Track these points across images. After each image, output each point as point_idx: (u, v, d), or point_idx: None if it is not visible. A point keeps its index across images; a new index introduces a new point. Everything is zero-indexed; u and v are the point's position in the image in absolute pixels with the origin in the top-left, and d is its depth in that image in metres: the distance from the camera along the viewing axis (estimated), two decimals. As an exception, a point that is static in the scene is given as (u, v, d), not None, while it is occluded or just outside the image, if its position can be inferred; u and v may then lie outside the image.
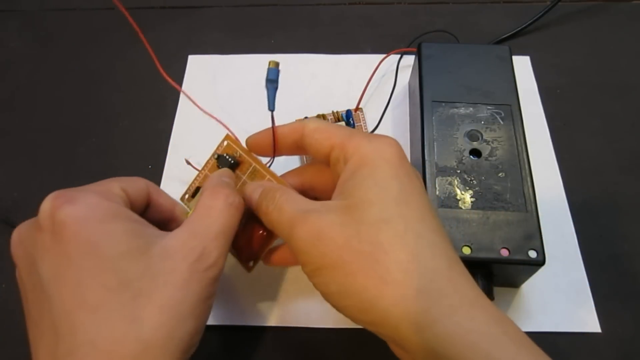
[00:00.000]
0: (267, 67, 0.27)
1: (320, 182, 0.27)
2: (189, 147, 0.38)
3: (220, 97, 0.41)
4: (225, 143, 0.30)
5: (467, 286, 0.20)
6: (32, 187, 0.37)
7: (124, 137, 0.40)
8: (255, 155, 0.29)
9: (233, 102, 0.40)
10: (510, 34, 0.44)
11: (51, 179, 0.38)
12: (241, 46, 0.44)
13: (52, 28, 0.47)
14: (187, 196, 0.32)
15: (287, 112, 0.40)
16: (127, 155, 0.39)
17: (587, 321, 0.31)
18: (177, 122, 0.40)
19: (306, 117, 0.38)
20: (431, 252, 0.20)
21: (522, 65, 0.42)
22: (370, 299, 0.20)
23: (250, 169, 0.29)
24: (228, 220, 0.23)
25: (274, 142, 0.27)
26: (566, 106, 0.40)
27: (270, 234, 0.27)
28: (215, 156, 0.30)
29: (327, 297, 0.22)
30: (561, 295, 0.32)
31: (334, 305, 0.22)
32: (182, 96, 0.41)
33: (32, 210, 0.36)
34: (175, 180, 0.37)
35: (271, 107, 0.26)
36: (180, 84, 0.42)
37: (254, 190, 0.25)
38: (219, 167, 0.30)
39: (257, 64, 0.43)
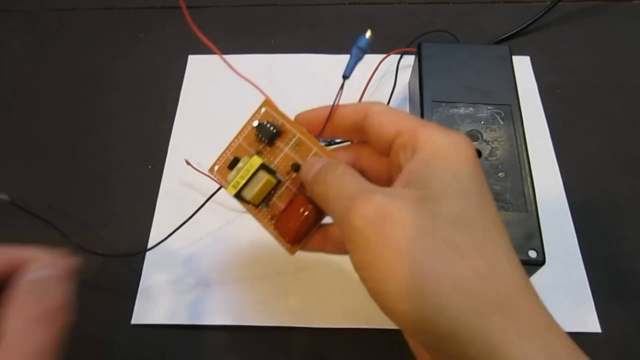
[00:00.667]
0: (362, 33, 0.25)
1: (373, 166, 0.24)
2: (189, 147, 0.38)
3: (221, 97, 0.41)
4: (264, 110, 0.26)
5: (543, 308, 0.18)
6: (32, 187, 0.37)
7: (124, 137, 0.40)
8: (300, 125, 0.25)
9: (233, 102, 0.40)
10: (510, 34, 0.44)
11: (51, 179, 0.38)
12: (241, 46, 0.44)
13: (52, 28, 0.47)
14: (217, 167, 0.27)
15: (287, 113, 0.40)
16: (127, 155, 0.39)
17: (587, 321, 0.31)
18: (177, 122, 0.40)
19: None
20: (510, 266, 0.18)
21: (522, 65, 0.42)
22: (438, 307, 0.17)
23: (295, 139, 0.25)
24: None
25: (329, 117, 0.24)
26: (566, 106, 0.40)
27: (320, 214, 0.24)
28: (256, 124, 0.26)
29: (378, 295, 0.18)
30: (561, 295, 0.32)
31: (384, 307, 0.18)
32: (182, 96, 0.41)
33: (32, 211, 0.36)
34: (175, 180, 0.37)
35: (347, 73, 0.24)
36: (180, 84, 0.42)
37: (315, 162, 0.23)
38: (257, 136, 0.26)
39: (257, 64, 0.43)
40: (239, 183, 0.24)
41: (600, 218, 0.35)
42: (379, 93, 0.41)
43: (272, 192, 0.25)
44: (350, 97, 0.40)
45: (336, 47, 0.44)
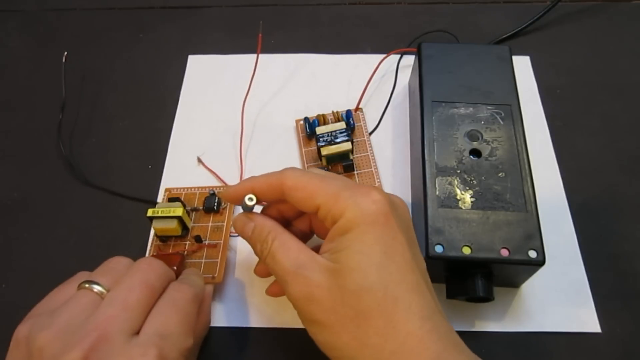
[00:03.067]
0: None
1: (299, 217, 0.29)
2: (189, 147, 0.38)
3: (221, 97, 0.41)
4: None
5: (437, 343, 0.21)
6: (32, 187, 0.37)
7: (124, 137, 0.40)
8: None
9: (233, 102, 0.40)
10: (510, 34, 0.44)
11: (51, 179, 0.38)
12: (241, 46, 0.44)
13: (52, 28, 0.47)
14: (166, 187, 0.36)
15: (287, 113, 0.40)
16: (127, 155, 0.39)
17: (587, 321, 0.31)
18: (177, 122, 0.40)
19: (306, 118, 0.38)
20: (405, 316, 0.21)
21: (522, 65, 0.42)
22: (351, 356, 0.22)
23: (224, 226, 0.34)
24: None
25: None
26: (566, 106, 0.40)
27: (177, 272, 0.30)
28: (211, 192, 0.35)
29: (316, 342, 0.24)
30: (561, 295, 0.32)
31: (322, 348, 0.24)
32: (182, 96, 0.41)
33: (31, 211, 0.36)
34: (175, 181, 0.37)
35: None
36: (180, 84, 0.42)
37: (245, 224, 0.27)
38: (205, 200, 0.34)
39: (257, 63, 0.43)
40: (156, 212, 0.32)
41: (600, 218, 0.35)
42: (378, 93, 0.41)
43: (174, 238, 0.33)
44: (350, 97, 0.40)
45: (336, 47, 0.44)
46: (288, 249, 0.24)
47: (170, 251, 0.33)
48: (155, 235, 0.33)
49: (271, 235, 0.25)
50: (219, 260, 0.32)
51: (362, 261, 0.22)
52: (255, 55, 0.42)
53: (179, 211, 0.32)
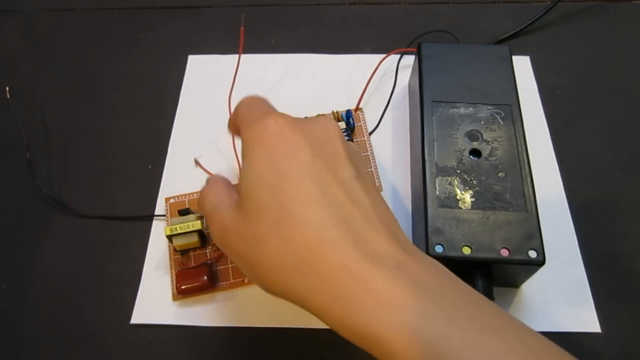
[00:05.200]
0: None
1: None
2: (189, 147, 0.38)
3: (221, 97, 0.41)
4: None
5: (345, 251, 0.20)
6: (32, 188, 0.37)
7: (124, 137, 0.40)
8: None
9: (233, 102, 0.40)
10: (510, 34, 0.44)
11: (51, 179, 0.38)
12: (241, 46, 0.44)
13: (52, 28, 0.47)
14: (172, 201, 0.35)
15: (288, 113, 0.40)
16: (127, 155, 0.39)
17: (587, 321, 0.31)
18: (177, 122, 0.40)
19: (306, 117, 0.38)
20: (301, 230, 0.21)
21: (522, 65, 0.42)
22: (257, 279, 0.22)
23: None
24: None
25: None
26: (566, 106, 0.40)
27: (211, 287, 0.31)
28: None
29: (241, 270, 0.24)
30: (561, 295, 0.32)
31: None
32: (182, 96, 0.41)
33: (32, 211, 0.36)
34: (175, 181, 0.37)
35: None
36: (180, 84, 0.42)
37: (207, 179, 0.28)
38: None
39: (257, 64, 0.43)
40: (174, 230, 0.31)
41: (600, 218, 0.35)
42: (378, 93, 0.41)
43: (193, 249, 0.33)
44: (350, 97, 0.40)
45: (336, 47, 0.44)
46: (213, 193, 0.25)
47: (193, 263, 0.32)
48: (174, 249, 0.33)
49: (210, 181, 0.26)
50: None
51: (255, 184, 0.22)
52: (255, 55, 0.42)
53: (197, 225, 0.31)
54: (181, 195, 0.35)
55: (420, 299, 0.19)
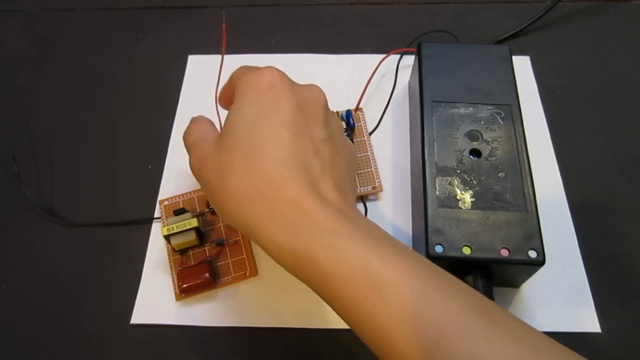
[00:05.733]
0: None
1: None
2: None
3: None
4: None
5: (295, 187, 0.23)
6: (32, 188, 0.37)
7: (124, 137, 0.40)
8: None
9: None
10: (510, 34, 0.44)
11: (51, 179, 0.38)
12: (241, 46, 0.44)
13: (52, 28, 0.47)
14: (166, 203, 0.35)
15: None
16: (127, 155, 0.39)
17: (587, 321, 0.31)
18: (177, 122, 0.40)
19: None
20: (266, 165, 0.23)
21: (522, 65, 0.42)
22: (220, 206, 0.25)
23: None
24: None
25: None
26: (566, 106, 0.40)
27: (214, 283, 0.32)
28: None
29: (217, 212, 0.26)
30: (561, 295, 0.32)
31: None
32: (182, 96, 0.41)
33: (32, 210, 0.36)
34: (175, 181, 0.37)
35: None
36: (180, 84, 0.42)
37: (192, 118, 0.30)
38: (208, 204, 0.35)
39: (257, 64, 0.43)
40: (172, 229, 0.31)
41: (600, 218, 0.35)
42: (379, 93, 0.41)
43: (191, 248, 0.33)
44: (350, 97, 0.40)
45: (336, 47, 0.44)
46: (197, 129, 0.28)
47: (193, 262, 0.32)
48: (173, 249, 0.33)
49: (196, 119, 0.29)
50: (244, 255, 0.33)
51: (237, 121, 0.24)
52: (255, 55, 0.42)
53: (194, 222, 0.32)
54: (175, 197, 0.35)
55: (353, 229, 0.22)
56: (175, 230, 0.31)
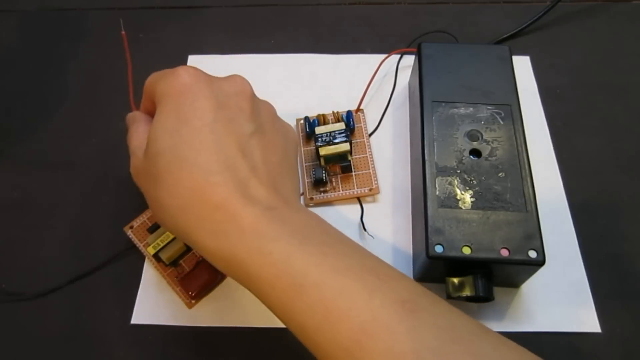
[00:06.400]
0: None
1: None
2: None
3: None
4: None
5: (224, 191, 0.23)
6: (32, 188, 0.37)
7: (124, 137, 0.39)
8: None
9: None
10: (510, 34, 0.44)
11: (51, 179, 0.38)
12: (241, 46, 0.44)
13: (52, 28, 0.47)
14: (134, 225, 0.34)
15: (288, 113, 0.40)
16: (127, 155, 0.38)
17: (587, 321, 0.31)
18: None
19: (306, 117, 0.38)
20: (190, 172, 0.23)
21: (522, 65, 0.42)
22: (156, 215, 0.25)
23: None
24: None
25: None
26: (566, 106, 0.40)
27: (218, 278, 0.32)
28: None
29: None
30: (561, 295, 0.32)
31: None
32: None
33: (32, 210, 0.36)
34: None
35: None
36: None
37: (129, 116, 0.30)
38: None
39: (257, 64, 0.43)
40: (159, 245, 0.31)
41: (600, 218, 0.35)
42: (379, 93, 0.41)
43: (181, 256, 0.32)
44: (350, 97, 0.40)
45: (336, 47, 0.44)
46: (137, 135, 0.27)
47: (187, 269, 0.32)
48: (165, 265, 0.32)
49: (135, 124, 0.29)
50: None
51: (158, 129, 0.24)
52: (255, 55, 0.42)
53: None
54: (137, 218, 0.34)
55: (279, 231, 0.22)
56: (162, 245, 0.31)
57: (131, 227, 0.34)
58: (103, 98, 0.42)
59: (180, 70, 0.25)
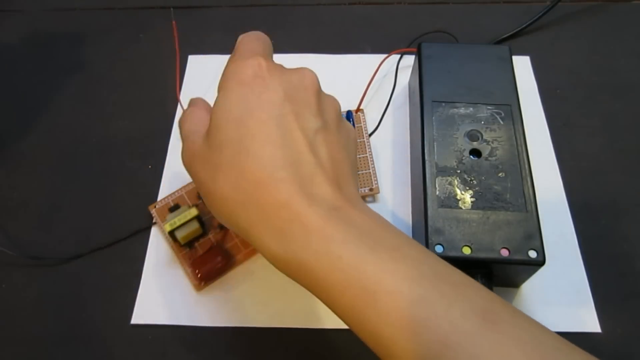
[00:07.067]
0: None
1: None
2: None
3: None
4: None
5: (288, 189, 0.22)
6: (32, 188, 0.37)
7: (124, 137, 0.40)
8: None
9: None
10: (510, 34, 0.44)
11: (51, 179, 0.38)
12: (241, 46, 0.44)
13: (52, 28, 0.47)
14: (157, 206, 0.34)
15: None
16: (127, 155, 0.39)
17: (587, 321, 0.31)
18: (177, 122, 0.40)
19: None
20: (254, 166, 0.22)
21: (522, 65, 0.42)
22: (212, 206, 0.24)
23: None
24: None
25: None
26: (566, 106, 0.40)
27: (229, 265, 0.32)
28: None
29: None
30: (561, 295, 0.32)
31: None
32: (182, 96, 0.41)
33: (32, 211, 0.36)
34: (175, 181, 0.37)
35: None
36: (181, 84, 0.42)
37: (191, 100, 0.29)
38: (198, 195, 0.34)
39: (257, 64, 0.43)
40: (175, 223, 0.31)
41: (600, 218, 0.35)
42: (379, 93, 0.41)
43: (197, 238, 0.33)
44: (350, 97, 0.40)
45: (336, 47, 0.44)
46: (191, 118, 0.27)
47: (201, 252, 0.32)
48: (180, 245, 0.32)
49: (188, 109, 0.28)
50: None
51: (223, 117, 0.23)
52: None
53: (194, 211, 0.32)
54: (164, 199, 0.35)
55: (346, 233, 0.21)
56: (178, 224, 0.31)
57: (154, 207, 0.35)
58: (103, 98, 0.42)
59: (253, 61, 0.24)
